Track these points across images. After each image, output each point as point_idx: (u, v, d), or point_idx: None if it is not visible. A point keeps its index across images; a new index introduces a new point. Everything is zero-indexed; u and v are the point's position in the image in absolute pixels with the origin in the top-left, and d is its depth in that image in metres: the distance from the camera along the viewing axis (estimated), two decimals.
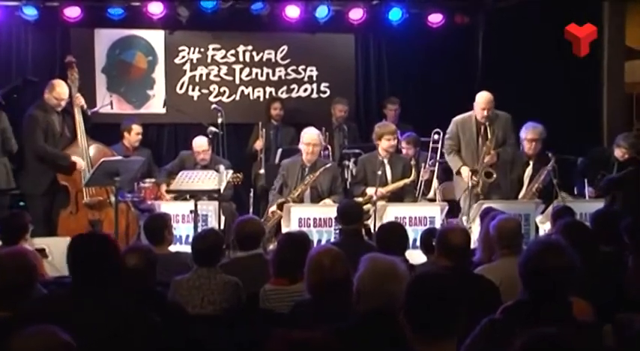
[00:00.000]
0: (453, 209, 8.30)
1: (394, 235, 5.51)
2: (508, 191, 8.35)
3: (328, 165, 8.22)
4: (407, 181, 8.23)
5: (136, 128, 9.26)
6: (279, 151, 9.38)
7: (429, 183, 8.87)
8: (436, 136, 8.94)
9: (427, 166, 8.90)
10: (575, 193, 8.80)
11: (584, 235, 5.03)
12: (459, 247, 4.63)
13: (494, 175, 8.05)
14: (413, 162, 8.32)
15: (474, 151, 8.15)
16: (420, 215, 7.60)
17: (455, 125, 8.30)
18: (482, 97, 8.14)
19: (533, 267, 3.42)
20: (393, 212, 7.57)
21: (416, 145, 9.05)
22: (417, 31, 10.45)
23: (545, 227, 7.57)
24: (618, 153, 8.62)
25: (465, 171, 8.13)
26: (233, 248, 6.04)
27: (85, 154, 8.28)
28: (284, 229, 7.38)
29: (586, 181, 8.52)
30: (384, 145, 8.27)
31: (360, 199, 7.93)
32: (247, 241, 5.50)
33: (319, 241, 7.32)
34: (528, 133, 8.49)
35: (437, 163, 8.95)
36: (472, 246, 5.83)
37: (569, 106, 10.60)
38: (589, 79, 10.80)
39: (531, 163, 8.55)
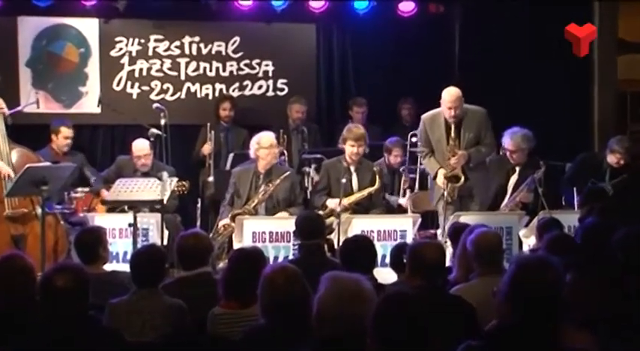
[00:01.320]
0: (427, 221, 8.35)
1: (360, 251, 5.51)
2: (486, 200, 8.35)
3: (287, 172, 8.22)
4: (371, 189, 8.25)
5: (65, 131, 9.17)
6: (231, 156, 9.36)
7: (412, 190, 8.94)
8: (414, 139, 8.97)
9: (406, 173, 8.94)
10: (563, 203, 8.87)
11: (574, 250, 5.08)
12: (433, 265, 4.64)
13: (462, 179, 8.02)
14: (377, 168, 8.33)
15: (444, 152, 8.06)
16: (390, 228, 7.62)
17: (423, 124, 8.24)
18: (449, 94, 7.99)
19: (518, 286, 3.44)
20: (359, 225, 7.58)
21: (405, 151, 9.10)
22: (387, 22, 10.51)
23: (529, 242, 7.62)
24: (612, 159, 8.67)
25: (441, 175, 8.06)
26: (177, 267, 6.01)
27: (7, 160, 8.18)
28: (236, 245, 7.35)
29: (575, 190, 8.57)
30: (347, 151, 8.30)
31: (321, 212, 7.94)
32: (191, 258, 5.46)
33: (275, 258, 7.31)
34: (507, 144, 8.57)
35: (417, 170, 8.98)
36: (448, 263, 5.91)
37: (556, 106, 10.71)
38: (578, 76, 10.92)
39: (518, 169, 8.61)
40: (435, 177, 8.14)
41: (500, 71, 10.53)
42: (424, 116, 8.28)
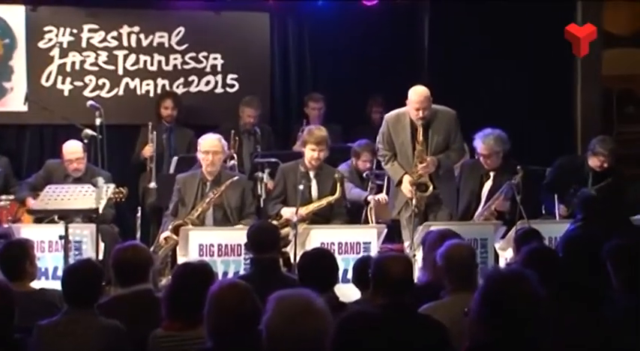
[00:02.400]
0: (393, 233, 8.37)
1: (320, 265, 5.51)
2: (456, 209, 8.39)
3: (235, 177, 8.20)
4: (331, 199, 8.25)
5: None
6: (174, 159, 9.33)
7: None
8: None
9: (372, 179, 8.97)
10: (543, 212, 8.94)
11: (555, 264, 5.11)
12: (400, 281, 4.66)
13: (431, 188, 8.05)
14: (338, 175, 8.33)
15: (409, 157, 8.09)
16: (352, 240, 7.63)
17: (386, 125, 8.25)
18: (416, 94, 8.02)
19: (489, 303, 3.46)
20: (318, 237, 7.59)
21: (375, 154, 9.10)
22: (348, 11, 10.56)
23: (506, 255, 7.67)
24: (594, 162, 8.70)
25: (407, 182, 8.09)
26: (115, 284, 5.98)
27: None
28: (180, 259, 7.33)
29: (556, 197, 8.65)
30: (307, 155, 8.30)
31: (276, 222, 7.94)
32: (129, 273, 5.42)
33: (225, 273, 7.29)
34: (480, 146, 8.59)
35: (385, 176, 9.00)
36: (417, 276, 5.94)
37: (535, 106, 10.81)
38: (559, 73, 11.03)
39: (492, 174, 8.66)
40: (398, 184, 8.16)
41: (473, 68, 10.61)
42: (387, 116, 8.29)
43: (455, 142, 8.21)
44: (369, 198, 8.93)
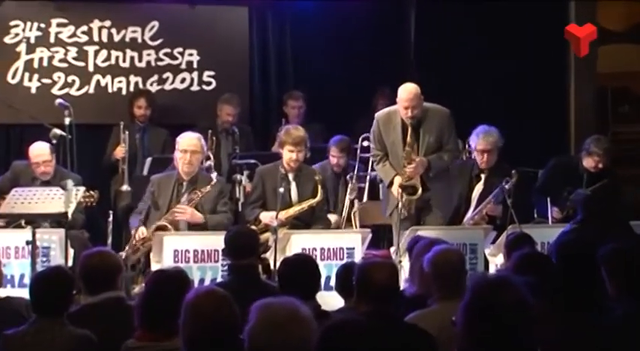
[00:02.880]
0: (379, 237, 8.38)
1: (302, 272, 5.51)
2: (449, 213, 8.41)
3: (214, 180, 8.20)
4: (312, 202, 8.27)
5: None
6: (148, 160, 9.32)
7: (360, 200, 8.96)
8: (365, 143, 8.99)
9: (353, 182, 8.96)
10: (536, 215, 8.96)
11: (548, 271, 5.12)
12: (385, 288, 4.66)
13: (420, 191, 8.06)
14: (318, 177, 8.34)
15: (400, 158, 8.10)
16: (335, 246, 7.64)
17: (377, 124, 8.27)
18: (405, 91, 8.02)
19: (474, 313, 3.46)
20: (299, 242, 7.59)
21: (349, 152, 9.10)
22: (331, 6, 10.56)
23: (497, 261, 7.69)
24: (589, 162, 8.72)
25: (397, 184, 8.07)
26: (84, 292, 5.97)
27: None
28: (154, 266, 7.32)
29: (549, 199, 8.67)
30: (285, 157, 8.31)
31: (254, 226, 7.94)
32: (97, 280, 5.42)
33: (201, 280, 7.31)
34: (479, 141, 8.58)
35: (367, 178, 9.00)
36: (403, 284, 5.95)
37: (527, 105, 10.83)
38: (552, 70, 11.06)
39: (483, 176, 8.69)
40: (389, 185, 8.17)
41: (462, 65, 10.64)
42: (378, 115, 8.30)
43: (448, 143, 8.21)
44: (356, 205, 8.92)
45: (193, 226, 8.08)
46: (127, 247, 7.92)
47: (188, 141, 8.21)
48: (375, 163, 8.44)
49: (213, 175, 8.42)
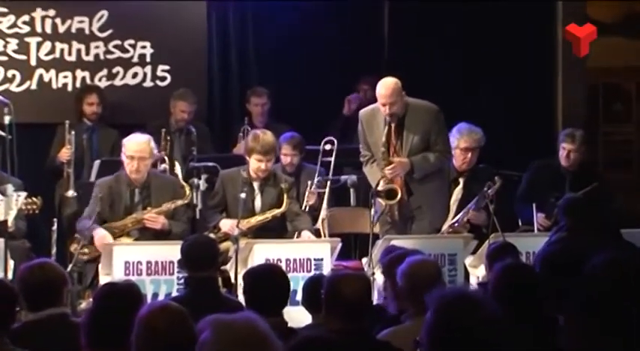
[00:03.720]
0: (349, 247, 8.39)
1: (268, 284, 5.52)
2: (443, 221, 8.39)
3: (176, 204, 8.21)
4: (276, 212, 8.27)
5: None
6: (96, 163, 9.28)
7: (316, 211, 8.93)
8: (328, 147, 9.00)
9: (313, 186, 8.96)
10: (520, 223, 9.00)
11: (533, 284, 5.14)
12: (356, 303, 4.68)
13: (399, 195, 8.07)
14: (285, 185, 8.32)
15: (385, 158, 8.09)
16: (302, 257, 7.66)
17: (361, 123, 8.32)
18: (383, 87, 8.06)
19: (438, 333, 3.46)
20: (262, 252, 7.60)
21: (302, 151, 9.09)
22: None
23: (478, 273, 7.73)
24: (562, 154, 8.79)
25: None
26: (25, 308, 5.95)
27: None
28: (103, 279, 7.30)
29: (534, 205, 8.69)
30: (252, 165, 8.27)
31: (214, 235, 7.95)
32: (37, 296, 5.39)
33: (155, 295, 7.31)
34: (462, 139, 8.63)
35: (328, 183, 9.01)
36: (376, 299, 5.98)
37: (510, 103, 10.87)
38: (538, 65, 11.11)
39: (462, 180, 8.73)
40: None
41: (439, 60, 10.68)
42: (362, 112, 8.35)
43: (437, 143, 8.21)
44: (323, 212, 8.90)
45: (146, 236, 8.07)
46: (70, 265, 7.82)
47: (135, 146, 8.16)
48: (363, 165, 8.44)
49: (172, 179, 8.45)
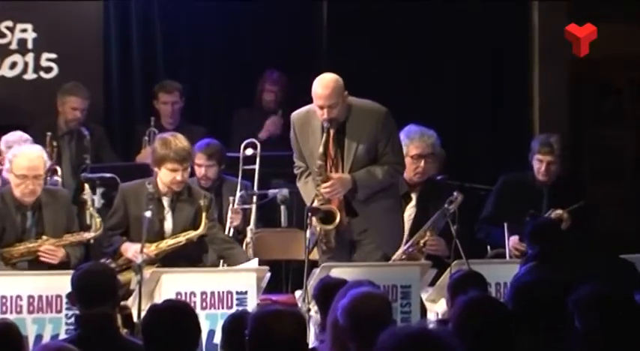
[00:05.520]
0: (279, 278, 8.41)
1: (175, 325, 5.53)
2: (387, 246, 8.38)
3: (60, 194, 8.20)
4: (192, 234, 8.27)
5: None
6: None
7: (240, 234, 8.95)
8: (249, 152, 9.02)
9: (236, 203, 8.97)
10: (490, 249, 9.05)
11: (504, 321, 5.20)
12: (288, 344, 4.70)
13: (337, 219, 8.07)
14: (203, 202, 8.30)
15: (321, 173, 8.03)
16: (221, 289, 7.65)
17: (293, 127, 8.30)
18: (320, 85, 7.99)
19: None
20: (172, 285, 7.58)
21: (221, 161, 9.08)
22: None
23: (437, 308, 7.77)
24: (537, 165, 8.85)
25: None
26: None
27: None
28: None
29: (505, 226, 8.75)
30: (164, 177, 8.23)
31: (113, 263, 7.94)
32: None
33: (39, 337, 7.27)
34: (412, 144, 8.65)
35: (254, 199, 9.02)
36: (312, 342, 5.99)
37: (475, 102, 10.98)
38: (510, 56, 11.22)
39: (414, 196, 8.79)
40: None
41: (386, 55, 10.77)
42: (294, 115, 8.27)
43: (385, 153, 8.17)
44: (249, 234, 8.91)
45: (34, 265, 8.05)
46: None
47: (26, 162, 8.01)
48: (297, 179, 8.41)
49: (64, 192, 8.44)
